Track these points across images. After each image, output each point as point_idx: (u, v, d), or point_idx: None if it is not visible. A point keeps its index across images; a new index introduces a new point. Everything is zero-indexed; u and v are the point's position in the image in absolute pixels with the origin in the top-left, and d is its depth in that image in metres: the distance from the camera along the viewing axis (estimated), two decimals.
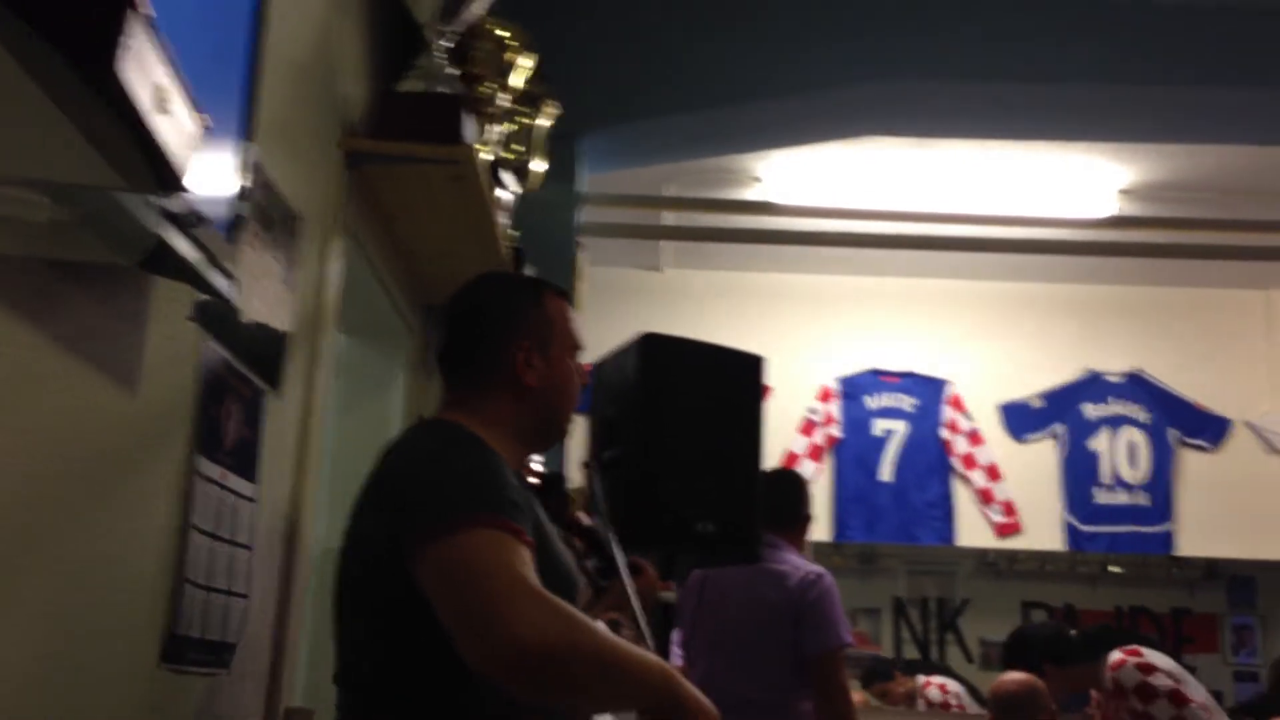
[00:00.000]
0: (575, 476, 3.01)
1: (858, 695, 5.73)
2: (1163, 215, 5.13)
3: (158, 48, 0.81)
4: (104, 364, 1.32)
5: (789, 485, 3.41)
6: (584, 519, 2.07)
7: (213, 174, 1.28)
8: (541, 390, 1.76)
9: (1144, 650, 3.61)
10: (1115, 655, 3.61)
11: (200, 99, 1.20)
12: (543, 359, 1.76)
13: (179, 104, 0.87)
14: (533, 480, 1.94)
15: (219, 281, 1.29)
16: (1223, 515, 6.07)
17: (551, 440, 1.84)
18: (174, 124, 0.86)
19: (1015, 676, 4.10)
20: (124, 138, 0.83)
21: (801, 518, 3.39)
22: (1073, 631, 3.84)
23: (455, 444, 1.62)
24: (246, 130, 1.39)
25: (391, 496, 1.56)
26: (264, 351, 1.85)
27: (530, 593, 1.38)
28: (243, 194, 1.38)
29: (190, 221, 1.15)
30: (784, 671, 3.10)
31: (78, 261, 1.19)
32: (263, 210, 1.80)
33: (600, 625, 1.50)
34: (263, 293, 1.81)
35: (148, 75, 0.79)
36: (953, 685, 5.53)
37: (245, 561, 1.78)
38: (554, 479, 2.00)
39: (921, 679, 5.61)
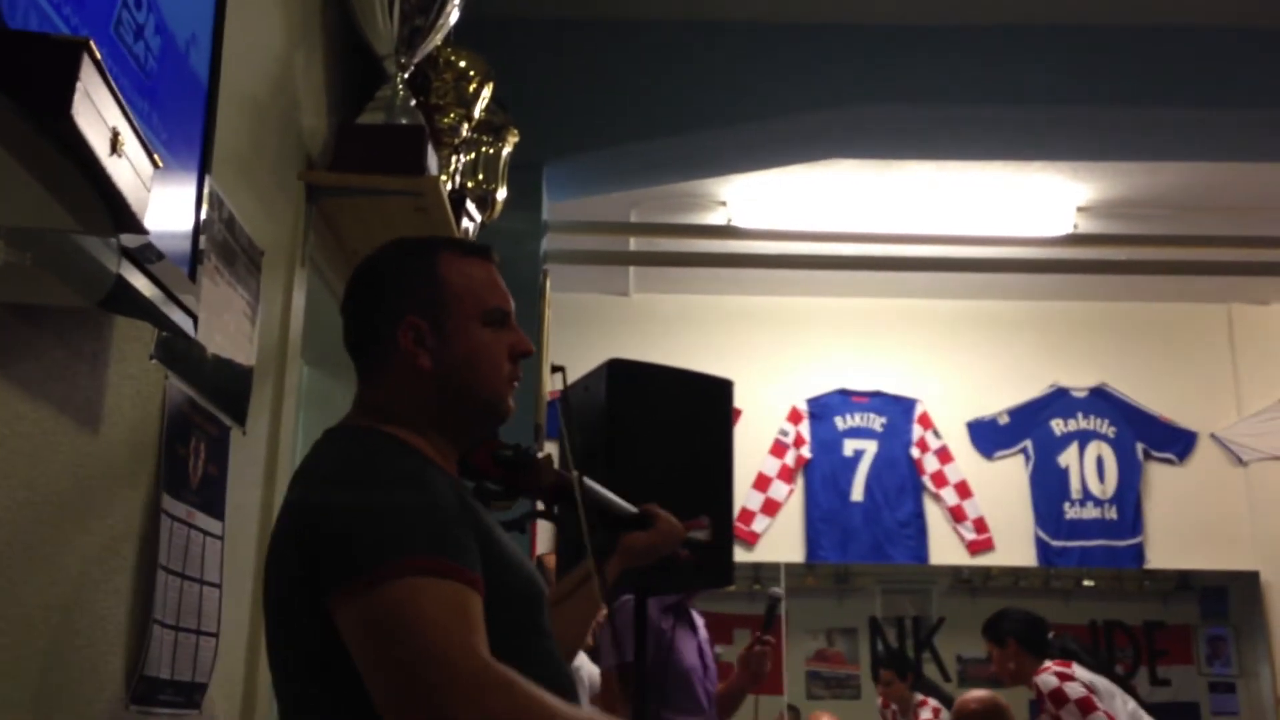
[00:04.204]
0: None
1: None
2: (1121, 232, 5.20)
3: (112, 90, 0.81)
4: (66, 405, 1.31)
5: None
6: (565, 478, 1.76)
7: (172, 210, 1.28)
8: (441, 372, 1.47)
9: (1075, 666, 3.85)
10: (1046, 663, 3.87)
11: (158, 135, 1.20)
12: (436, 334, 1.47)
13: (133, 145, 0.87)
14: (500, 463, 1.68)
15: (180, 318, 1.29)
16: (1192, 527, 6.13)
17: (485, 425, 1.56)
18: (128, 166, 0.86)
19: (978, 694, 4.23)
20: (79, 181, 0.84)
21: None
22: (1051, 634, 4.04)
23: (373, 458, 1.38)
24: (206, 165, 1.40)
25: (305, 531, 1.31)
26: (229, 387, 1.85)
27: (472, 666, 1.19)
28: (203, 229, 1.38)
29: (148, 259, 1.15)
30: None
31: (36, 304, 1.19)
32: (224, 245, 1.79)
33: (549, 697, 1.25)
34: (225, 328, 1.81)
35: (101, 119, 0.79)
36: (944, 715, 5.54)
37: (214, 600, 1.76)
38: (521, 456, 1.70)
39: (919, 696, 5.64)
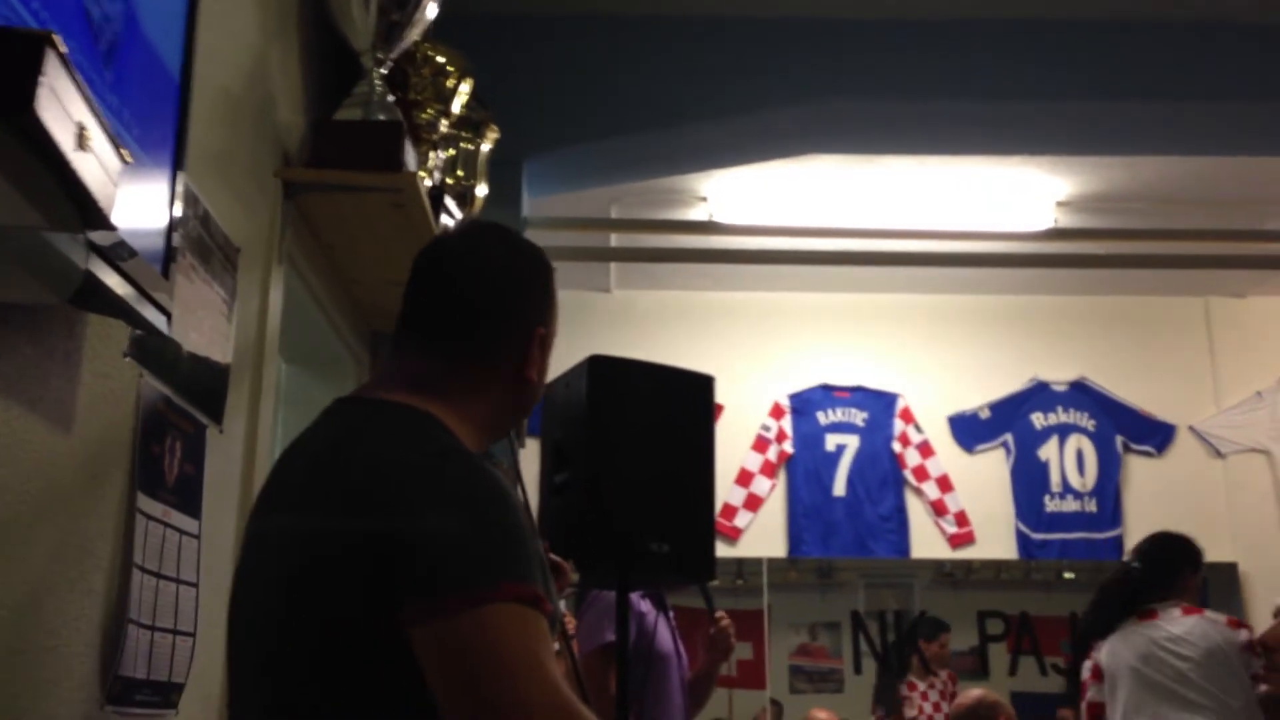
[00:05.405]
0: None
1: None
2: (1100, 226, 5.21)
3: (77, 84, 0.80)
4: (37, 404, 1.30)
5: None
6: None
7: (145, 207, 1.26)
8: (534, 387, 1.47)
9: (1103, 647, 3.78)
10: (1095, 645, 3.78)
11: (129, 131, 1.19)
12: (542, 350, 1.48)
13: (101, 140, 0.86)
14: None
15: (153, 315, 1.28)
16: (1170, 519, 6.12)
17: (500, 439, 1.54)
18: (96, 161, 0.85)
19: (973, 693, 4.26)
20: (45, 177, 0.82)
21: None
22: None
23: (463, 464, 1.27)
24: (179, 161, 1.38)
25: (382, 530, 1.19)
26: (205, 385, 1.83)
27: (559, 704, 1.15)
28: (176, 225, 1.37)
29: (120, 256, 1.14)
30: None
31: (4, 302, 1.17)
32: (199, 241, 1.78)
33: None
34: (201, 325, 1.79)
35: (67, 113, 0.78)
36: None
37: (191, 600, 1.75)
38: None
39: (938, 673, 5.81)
